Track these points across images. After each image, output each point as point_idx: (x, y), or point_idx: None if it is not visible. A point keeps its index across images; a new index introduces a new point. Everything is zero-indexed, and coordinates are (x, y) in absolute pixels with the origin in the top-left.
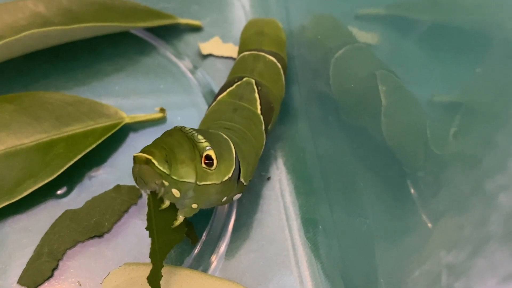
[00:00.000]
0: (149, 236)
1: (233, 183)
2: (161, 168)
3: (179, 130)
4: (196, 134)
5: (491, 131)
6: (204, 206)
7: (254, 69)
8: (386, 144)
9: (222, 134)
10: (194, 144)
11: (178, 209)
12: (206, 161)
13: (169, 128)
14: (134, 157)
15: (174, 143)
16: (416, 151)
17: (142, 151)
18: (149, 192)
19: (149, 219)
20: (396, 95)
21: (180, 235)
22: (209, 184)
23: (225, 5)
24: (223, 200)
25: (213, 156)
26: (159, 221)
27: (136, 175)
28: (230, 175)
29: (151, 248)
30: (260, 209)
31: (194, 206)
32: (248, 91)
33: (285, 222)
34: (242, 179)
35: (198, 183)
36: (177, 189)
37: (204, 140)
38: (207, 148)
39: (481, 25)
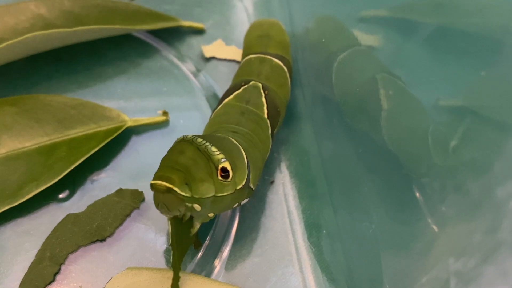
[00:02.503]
0: (172, 251)
1: (246, 189)
2: (183, 193)
3: (190, 143)
4: (209, 146)
5: (500, 136)
6: (218, 212)
7: (260, 73)
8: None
9: (231, 139)
10: (208, 157)
11: (193, 217)
12: (222, 174)
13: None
14: (152, 184)
15: (189, 162)
16: (419, 156)
17: (158, 178)
18: (171, 217)
19: (172, 240)
20: (398, 99)
21: (191, 240)
22: (225, 195)
23: (227, 7)
24: (234, 206)
25: (229, 168)
26: (178, 234)
27: (158, 203)
28: (244, 182)
29: (172, 260)
30: (263, 213)
31: (211, 215)
32: (255, 95)
33: (288, 226)
34: (251, 184)
35: (216, 195)
36: (199, 204)
37: (218, 152)
38: (222, 160)
39: (485, 28)
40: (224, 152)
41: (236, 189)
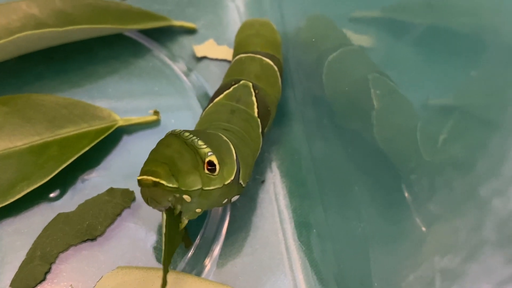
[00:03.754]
0: (164, 247)
1: (235, 185)
2: (170, 185)
3: (177, 137)
4: (196, 139)
5: (485, 135)
6: (206, 208)
7: (251, 72)
8: (380, 148)
9: (221, 135)
10: (195, 150)
11: (181, 212)
12: (209, 167)
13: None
14: (139, 180)
15: (174, 154)
16: (409, 153)
17: (144, 173)
18: (163, 210)
19: (165, 232)
20: (389, 99)
21: (180, 237)
22: (213, 189)
23: (219, 7)
24: (223, 202)
25: (215, 162)
26: (171, 226)
27: (147, 198)
28: (232, 177)
29: (163, 257)
30: (254, 212)
31: (198, 210)
32: (245, 94)
33: (279, 225)
34: (241, 181)
35: (203, 188)
36: (188, 195)
37: (205, 146)
38: (209, 154)
39: (476, 29)
40: (211, 146)
41: (224, 184)
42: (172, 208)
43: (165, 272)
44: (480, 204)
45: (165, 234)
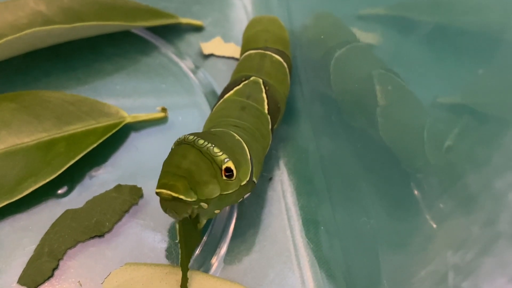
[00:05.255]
0: (180, 250)
1: (250, 184)
2: (189, 199)
3: (192, 146)
4: (211, 147)
5: (499, 130)
6: (224, 207)
7: (261, 68)
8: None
9: (233, 133)
10: (211, 159)
11: (199, 214)
12: (226, 174)
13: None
14: (158, 193)
15: (191, 167)
16: (415, 152)
17: (162, 186)
18: (179, 219)
19: (180, 240)
20: (395, 95)
21: (197, 238)
22: (231, 192)
23: (226, 5)
24: (239, 201)
25: (232, 167)
26: (186, 234)
27: (166, 208)
28: (248, 178)
29: (180, 259)
30: (261, 209)
31: (217, 211)
32: (255, 90)
33: (286, 223)
34: (254, 178)
35: (221, 193)
36: (206, 203)
37: (221, 153)
38: (226, 160)
39: (483, 26)
40: (227, 151)
41: (240, 185)
42: (189, 217)
43: (185, 275)
44: (496, 197)
45: (180, 240)
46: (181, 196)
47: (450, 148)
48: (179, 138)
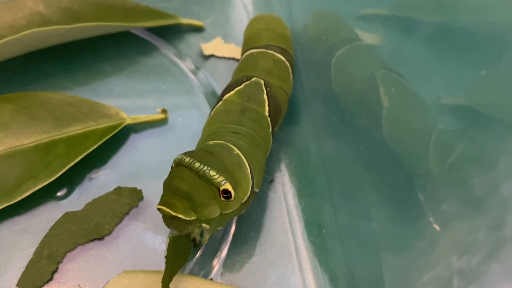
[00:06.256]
0: (165, 266)
1: (251, 197)
2: (188, 218)
3: (189, 169)
4: (207, 170)
5: (505, 132)
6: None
7: (263, 68)
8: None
9: (232, 147)
10: (208, 182)
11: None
12: (224, 195)
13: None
14: (159, 209)
15: (190, 190)
16: (419, 158)
17: (163, 203)
18: (175, 234)
19: (167, 257)
20: (399, 96)
21: (186, 259)
22: (231, 211)
23: (226, 5)
24: (243, 212)
25: (230, 189)
26: (175, 252)
27: (168, 224)
28: (248, 194)
29: (163, 277)
30: (262, 212)
31: (219, 228)
32: (256, 91)
33: (288, 225)
34: (255, 189)
35: (222, 213)
36: (207, 224)
37: (217, 176)
38: (223, 183)
39: (486, 26)
40: (224, 172)
41: (241, 203)
42: (180, 235)
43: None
44: (502, 201)
45: (167, 256)
46: (180, 215)
47: (453, 165)
48: (177, 158)
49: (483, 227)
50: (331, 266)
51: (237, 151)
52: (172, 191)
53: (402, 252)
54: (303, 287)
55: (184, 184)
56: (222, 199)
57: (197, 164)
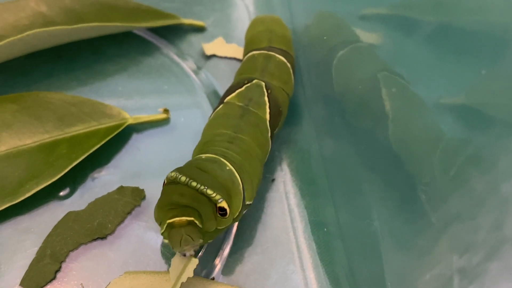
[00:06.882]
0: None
1: (242, 210)
2: (199, 224)
3: (187, 186)
4: (205, 189)
5: (506, 132)
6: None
7: (265, 69)
8: (393, 147)
9: (224, 161)
10: (207, 198)
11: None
12: (220, 212)
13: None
14: (172, 222)
15: (193, 204)
16: (425, 158)
17: (175, 216)
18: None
19: (172, 275)
20: (401, 99)
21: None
22: (224, 227)
23: (228, 5)
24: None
25: (226, 207)
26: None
27: (181, 239)
28: (240, 209)
29: None
30: (264, 211)
31: (210, 241)
32: (257, 94)
33: (289, 224)
34: (247, 202)
35: (217, 227)
36: (202, 239)
37: (215, 194)
38: (220, 200)
39: (486, 26)
40: (219, 189)
41: (233, 218)
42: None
43: None
44: (502, 201)
45: (172, 275)
46: (196, 221)
47: (455, 176)
48: (171, 176)
49: (484, 227)
50: (333, 265)
51: (229, 166)
52: (173, 207)
53: (404, 251)
54: (305, 286)
55: (184, 199)
56: (218, 215)
57: (194, 183)
